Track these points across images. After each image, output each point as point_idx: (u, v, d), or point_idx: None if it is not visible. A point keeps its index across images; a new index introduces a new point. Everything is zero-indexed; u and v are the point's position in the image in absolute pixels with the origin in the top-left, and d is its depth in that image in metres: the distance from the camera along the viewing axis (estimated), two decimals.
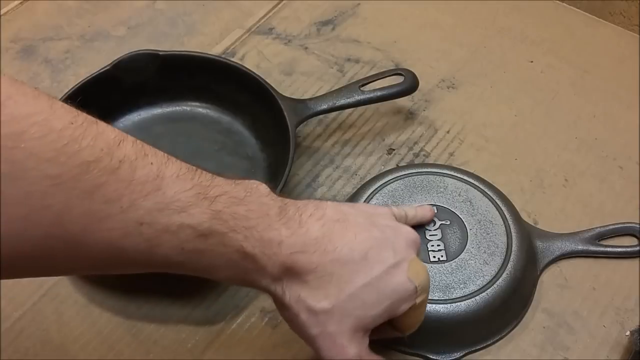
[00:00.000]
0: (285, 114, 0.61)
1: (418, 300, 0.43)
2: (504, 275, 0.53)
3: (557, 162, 0.65)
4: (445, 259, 0.54)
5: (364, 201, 0.58)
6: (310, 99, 0.64)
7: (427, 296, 0.44)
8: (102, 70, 0.63)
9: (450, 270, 0.53)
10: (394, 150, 0.66)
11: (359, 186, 0.62)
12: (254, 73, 0.64)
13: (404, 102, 0.69)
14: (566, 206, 0.62)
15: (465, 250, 0.54)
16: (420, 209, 0.55)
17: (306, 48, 0.75)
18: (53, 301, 0.56)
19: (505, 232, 0.56)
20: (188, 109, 0.69)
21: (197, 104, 0.69)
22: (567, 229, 0.59)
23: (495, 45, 0.76)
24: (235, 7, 0.80)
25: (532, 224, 0.60)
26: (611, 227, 0.59)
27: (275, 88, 0.63)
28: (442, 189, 0.58)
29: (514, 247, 0.55)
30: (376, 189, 0.59)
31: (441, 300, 0.52)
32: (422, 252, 0.54)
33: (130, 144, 0.36)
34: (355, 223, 0.42)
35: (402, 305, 0.42)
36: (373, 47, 0.75)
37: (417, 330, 0.52)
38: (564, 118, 0.69)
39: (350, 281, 0.40)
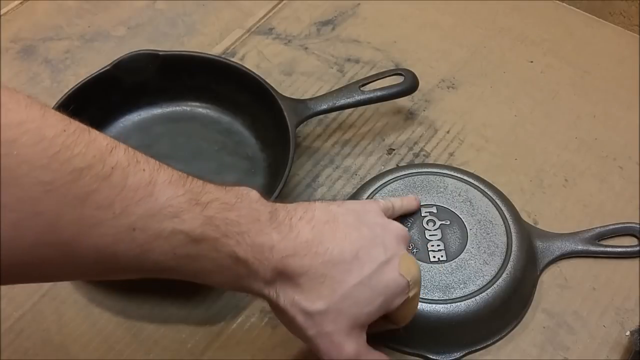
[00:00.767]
0: (285, 114, 0.61)
1: (411, 294, 0.44)
2: (504, 275, 0.53)
3: (557, 162, 0.65)
4: (445, 259, 0.54)
5: None
6: (310, 99, 0.64)
7: (420, 289, 0.45)
8: (102, 70, 0.63)
9: (450, 270, 0.53)
10: (394, 150, 0.66)
11: (359, 186, 0.62)
12: (254, 73, 0.64)
13: (404, 102, 0.69)
14: (566, 206, 0.62)
15: (465, 250, 0.54)
16: (405, 200, 0.56)
17: (306, 48, 0.75)
18: (53, 301, 0.56)
19: (505, 232, 0.56)
20: (188, 109, 0.69)
21: (197, 104, 0.69)
22: (567, 229, 0.59)
23: (495, 45, 0.76)
24: (235, 7, 0.80)
25: (532, 224, 0.60)
26: (611, 227, 0.59)
27: (275, 88, 0.63)
28: (442, 189, 0.58)
29: (514, 247, 0.55)
30: (376, 189, 0.59)
31: (441, 300, 0.52)
32: (422, 252, 0.54)
33: (123, 151, 0.37)
34: (344, 223, 0.43)
35: (396, 300, 0.43)
36: (373, 47, 0.75)
37: (417, 330, 0.52)
38: (564, 118, 0.69)
39: (343, 281, 0.41)
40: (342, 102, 0.63)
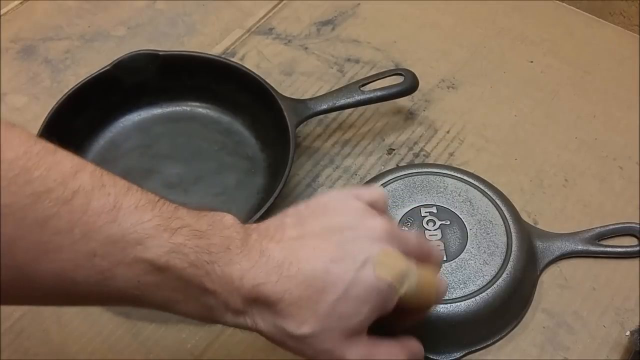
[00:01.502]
0: (285, 114, 0.61)
1: (403, 290, 0.40)
2: (504, 275, 0.53)
3: (557, 162, 0.65)
4: (445, 259, 0.54)
5: None
6: (310, 99, 0.64)
7: (416, 277, 0.41)
8: (102, 70, 0.63)
9: (450, 270, 0.53)
10: (394, 150, 0.66)
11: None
12: (254, 73, 0.64)
13: (404, 102, 0.69)
14: (566, 206, 0.62)
15: (465, 250, 0.54)
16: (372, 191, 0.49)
17: (306, 48, 0.75)
18: None
19: (505, 232, 0.56)
20: (188, 109, 0.69)
21: (197, 104, 0.69)
22: (567, 229, 0.59)
23: (495, 45, 0.76)
24: (235, 7, 0.80)
25: (532, 224, 0.60)
26: (611, 227, 0.59)
27: (275, 88, 0.63)
28: (442, 189, 0.58)
29: (514, 247, 0.55)
30: None
31: (441, 300, 0.52)
32: None
33: (88, 174, 0.36)
34: (312, 234, 0.41)
35: (387, 302, 0.41)
36: (373, 47, 0.75)
37: (417, 330, 0.52)
38: (564, 118, 0.69)
39: (321, 300, 0.39)
40: (342, 102, 0.63)
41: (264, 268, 0.39)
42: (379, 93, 0.64)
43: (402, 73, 0.65)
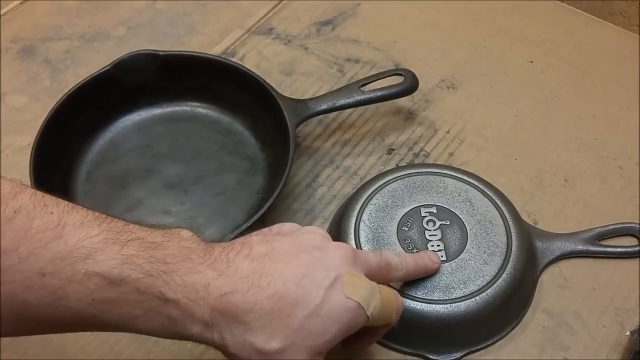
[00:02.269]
0: (285, 114, 0.61)
1: (370, 312, 0.41)
2: (504, 275, 0.53)
3: (557, 162, 0.65)
4: (445, 259, 0.54)
5: (364, 201, 0.58)
6: (310, 99, 0.64)
7: (383, 299, 0.42)
8: (102, 70, 0.63)
9: (450, 270, 0.53)
10: (394, 150, 0.66)
11: (359, 186, 0.61)
12: (254, 73, 0.64)
13: (404, 102, 0.69)
14: (566, 206, 0.62)
15: (465, 251, 0.54)
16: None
17: (306, 48, 0.75)
18: None
19: (505, 232, 0.56)
20: (188, 109, 0.69)
21: (197, 104, 0.69)
22: (567, 229, 0.59)
23: (495, 45, 0.76)
24: (235, 7, 0.80)
25: (532, 224, 0.60)
26: (611, 227, 0.59)
27: (275, 88, 0.63)
28: (442, 189, 0.58)
29: (514, 247, 0.55)
30: (376, 189, 0.59)
31: (441, 300, 0.52)
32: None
33: (29, 196, 0.35)
34: (282, 252, 0.41)
35: (355, 323, 0.41)
36: (373, 47, 0.75)
37: (417, 330, 0.52)
38: (564, 118, 0.69)
39: (292, 315, 0.39)
40: (342, 102, 0.63)
41: (232, 278, 0.38)
42: (379, 93, 0.64)
43: (402, 73, 0.65)
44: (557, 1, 0.80)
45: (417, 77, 0.65)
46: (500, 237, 0.55)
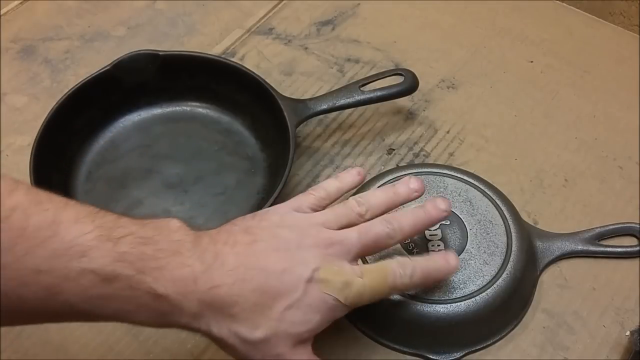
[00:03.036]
0: (285, 114, 0.61)
1: (349, 301, 0.43)
2: (504, 275, 0.53)
3: (557, 162, 0.65)
4: None
5: None
6: (310, 99, 0.64)
7: (361, 283, 0.43)
8: (102, 70, 0.63)
9: None
10: (394, 150, 0.66)
11: (359, 186, 0.61)
12: (254, 73, 0.64)
13: (404, 102, 0.69)
14: (566, 206, 0.62)
15: (465, 251, 0.54)
16: (342, 177, 0.51)
17: (306, 48, 0.75)
18: None
19: (505, 232, 0.56)
20: (188, 109, 0.69)
21: (197, 104, 0.69)
22: (567, 229, 0.59)
23: (495, 45, 0.76)
24: (235, 7, 0.80)
25: (532, 224, 0.60)
26: (611, 227, 0.59)
27: (275, 88, 0.63)
28: (442, 189, 0.58)
29: (514, 247, 0.55)
30: (376, 189, 0.59)
31: (441, 300, 0.52)
32: (422, 252, 0.54)
33: (23, 193, 0.36)
34: (264, 242, 0.42)
35: (335, 313, 0.43)
36: (373, 47, 0.75)
37: (417, 330, 0.52)
38: (564, 118, 0.69)
39: (274, 307, 0.41)
40: (342, 102, 0.63)
41: (219, 271, 0.40)
42: (379, 93, 0.64)
43: (402, 73, 0.65)
44: (557, 1, 0.80)
45: (417, 77, 0.65)
46: (500, 237, 0.55)
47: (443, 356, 0.52)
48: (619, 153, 0.66)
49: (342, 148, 0.67)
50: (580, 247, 0.58)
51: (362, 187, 0.60)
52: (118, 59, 0.63)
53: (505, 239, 0.55)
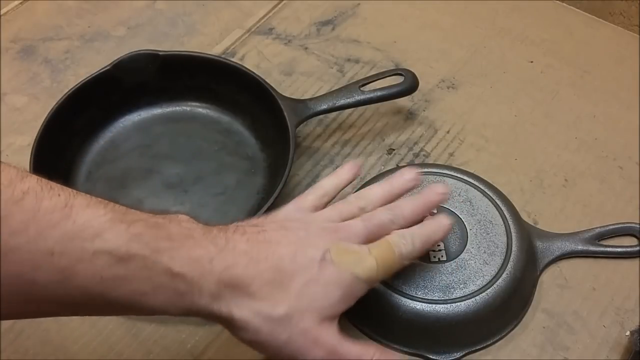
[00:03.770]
0: (285, 114, 0.61)
1: (365, 276, 0.42)
2: (504, 275, 0.53)
3: (557, 162, 0.65)
4: (445, 259, 0.54)
5: None
6: (310, 99, 0.64)
7: (373, 258, 0.43)
8: (102, 70, 0.63)
9: (450, 270, 0.53)
10: (394, 150, 0.66)
11: (359, 186, 0.61)
12: (254, 73, 0.64)
13: (404, 102, 0.69)
14: (566, 206, 0.62)
15: (465, 250, 0.54)
16: (338, 174, 0.51)
17: (306, 48, 0.75)
18: None
19: (505, 232, 0.56)
20: (188, 109, 0.69)
21: (197, 104, 0.69)
22: (567, 229, 0.59)
23: (495, 46, 0.76)
24: (235, 7, 0.80)
25: (532, 224, 0.60)
26: (611, 227, 0.59)
27: (275, 88, 0.63)
28: None
29: (514, 247, 0.55)
30: None
31: (441, 300, 0.52)
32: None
33: (35, 180, 0.36)
34: (272, 232, 0.43)
35: (355, 292, 0.43)
36: (373, 47, 0.75)
37: (417, 330, 0.52)
38: (564, 118, 0.69)
39: (291, 284, 0.40)
40: (342, 102, 0.63)
41: (232, 253, 0.40)
42: (379, 93, 0.64)
43: (402, 73, 0.65)
44: (557, 1, 0.80)
45: (417, 77, 0.65)
46: (500, 237, 0.55)
47: (443, 356, 0.52)
48: (619, 153, 0.66)
49: (342, 148, 0.67)
50: (580, 247, 0.58)
51: (362, 187, 0.60)
52: (118, 59, 0.63)
53: (505, 239, 0.55)
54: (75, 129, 0.63)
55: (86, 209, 0.36)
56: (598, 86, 0.71)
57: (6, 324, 0.54)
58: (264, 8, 0.80)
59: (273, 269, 0.40)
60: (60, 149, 0.62)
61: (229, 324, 0.41)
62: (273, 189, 0.56)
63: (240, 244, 0.41)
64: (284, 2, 0.80)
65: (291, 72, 0.73)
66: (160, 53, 0.65)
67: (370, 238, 0.46)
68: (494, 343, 0.54)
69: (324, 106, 0.63)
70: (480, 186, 0.59)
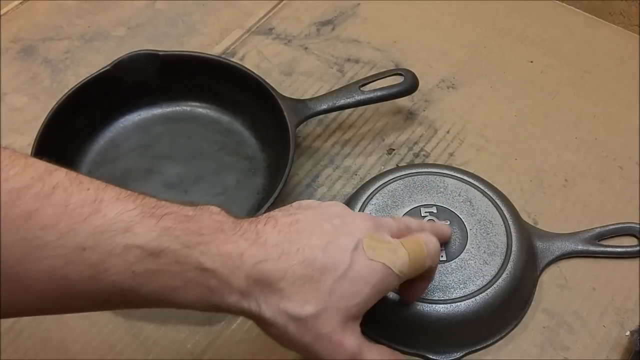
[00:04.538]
0: (285, 114, 0.61)
1: (397, 269, 0.42)
2: (504, 275, 0.53)
3: (557, 162, 0.65)
4: (445, 259, 0.54)
5: (364, 201, 0.58)
6: (310, 99, 0.64)
7: (409, 253, 0.43)
8: (102, 70, 0.63)
9: (450, 270, 0.53)
10: (394, 150, 0.66)
11: (359, 186, 0.62)
12: (254, 73, 0.64)
13: (404, 102, 0.69)
14: (566, 206, 0.62)
15: (465, 250, 0.54)
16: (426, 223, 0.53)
17: (306, 48, 0.75)
18: None
19: (505, 232, 0.56)
20: (188, 109, 0.69)
21: (197, 104, 0.69)
22: (567, 229, 0.59)
23: (495, 46, 0.76)
24: (235, 7, 0.80)
25: (532, 224, 0.60)
26: (611, 227, 0.59)
27: (275, 88, 0.63)
28: (442, 189, 0.58)
29: (514, 247, 0.55)
30: (376, 189, 0.59)
31: (441, 300, 0.52)
32: None
33: (64, 174, 0.36)
34: (306, 222, 0.42)
35: (386, 284, 0.42)
36: (373, 47, 0.75)
37: (417, 330, 0.52)
38: (564, 118, 0.69)
39: (322, 279, 0.40)
40: (342, 102, 0.63)
41: (263, 247, 0.39)
42: (379, 93, 0.64)
43: (402, 73, 0.65)
44: (557, 1, 0.80)
45: (417, 77, 0.65)
46: (500, 237, 0.55)
47: (443, 356, 0.52)
48: (619, 153, 0.66)
49: (342, 148, 0.67)
50: (580, 247, 0.58)
51: (362, 187, 0.60)
52: (118, 59, 0.63)
53: (505, 239, 0.55)
54: (75, 129, 0.63)
55: (116, 202, 0.36)
56: (598, 86, 0.71)
57: (6, 324, 0.54)
58: (264, 8, 0.80)
59: (304, 263, 0.40)
60: (60, 149, 0.62)
61: (258, 320, 0.41)
62: (273, 189, 0.56)
63: (271, 236, 0.40)
64: (284, 2, 0.80)
65: (291, 72, 0.73)
66: (160, 53, 0.65)
67: (400, 235, 0.46)
68: (494, 343, 0.54)
69: (324, 106, 0.63)
70: (480, 186, 0.59)
